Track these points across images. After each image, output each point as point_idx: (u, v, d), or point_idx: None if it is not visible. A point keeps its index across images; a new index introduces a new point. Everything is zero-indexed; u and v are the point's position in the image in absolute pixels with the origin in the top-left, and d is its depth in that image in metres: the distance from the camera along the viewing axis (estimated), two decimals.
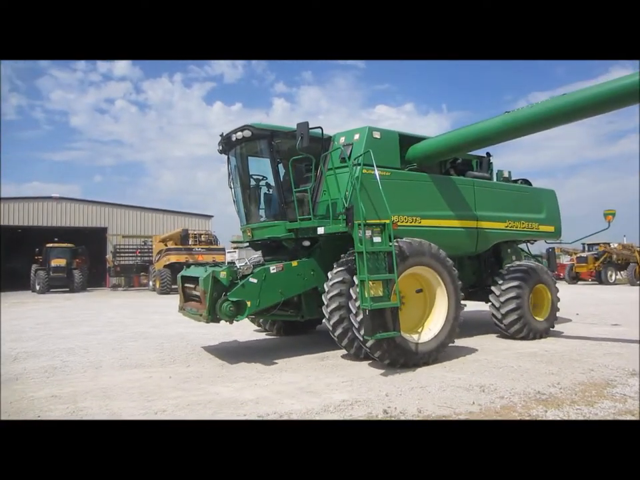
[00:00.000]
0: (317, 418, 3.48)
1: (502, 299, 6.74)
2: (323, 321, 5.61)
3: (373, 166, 5.46)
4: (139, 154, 79.84)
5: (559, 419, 3.37)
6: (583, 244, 23.77)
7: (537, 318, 7.02)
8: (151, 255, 23.84)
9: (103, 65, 69.86)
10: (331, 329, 5.40)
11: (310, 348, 6.37)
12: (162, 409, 3.77)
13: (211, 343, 7.03)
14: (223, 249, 21.42)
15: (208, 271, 5.48)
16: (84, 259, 24.29)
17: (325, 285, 5.49)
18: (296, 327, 7.38)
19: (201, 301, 5.56)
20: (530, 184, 8.27)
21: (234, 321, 5.47)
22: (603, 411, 3.53)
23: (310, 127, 5.36)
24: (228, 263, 6.07)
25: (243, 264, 5.65)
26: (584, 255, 22.47)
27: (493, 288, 6.92)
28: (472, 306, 8.29)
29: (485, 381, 4.45)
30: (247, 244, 7.20)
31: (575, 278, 22.14)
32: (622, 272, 22.10)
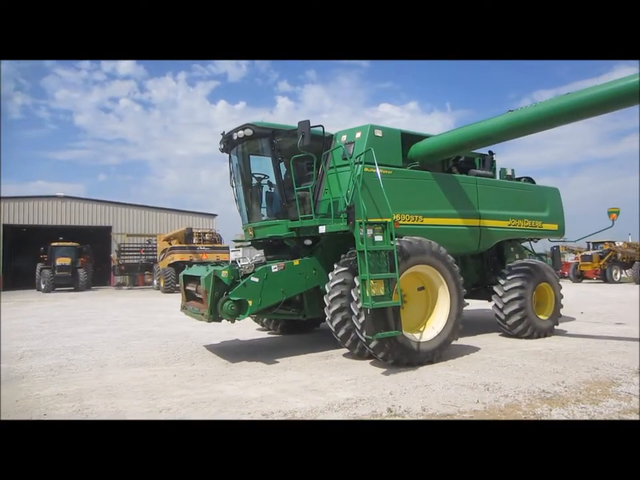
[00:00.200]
0: (322, 416, 3.48)
1: (505, 300, 6.71)
2: (325, 320, 5.62)
3: (374, 164, 5.45)
4: (143, 153, 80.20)
5: (563, 417, 3.36)
6: (588, 242, 23.65)
7: (540, 317, 6.99)
8: (155, 253, 23.94)
9: (107, 64, 70.10)
10: (333, 330, 5.40)
11: (313, 346, 6.38)
12: (167, 407, 3.79)
13: (214, 341, 7.05)
14: (227, 248, 21.47)
15: (209, 270, 5.50)
16: (88, 257, 24.42)
17: (326, 287, 5.48)
18: (298, 326, 7.39)
19: (202, 300, 5.58)
20: (533, 182, 8.22)
21: (236, 320, 5.49)
22: (608, 409, 3.51)
23: (311, 125, 5.36)
24: (231, 261, 6.07)
25: (245, 263, 5.66)
26: (589, 253, 22.34)
27: (495, 288, 6.89)
28: (475, 304, 8.27)
29: (489, 380, 4.44)
30: (249, 243, 7.22)
31: (579, 276, 22.02)
32: (627, 270, 21.97)
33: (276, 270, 5.63)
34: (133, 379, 4.81)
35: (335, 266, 5.57)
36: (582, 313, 9.77)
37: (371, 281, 4.69)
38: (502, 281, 6.85)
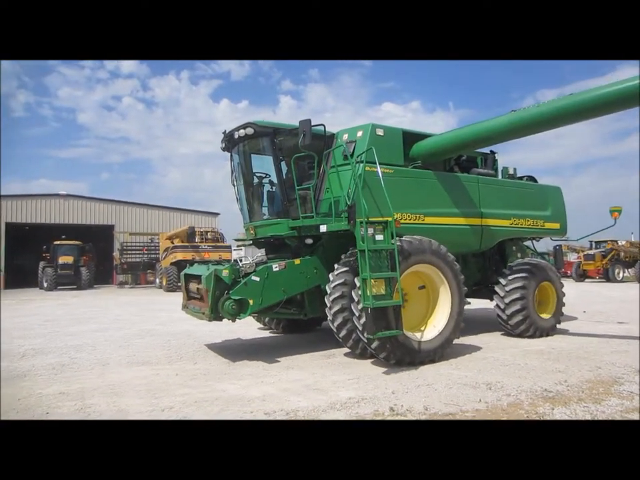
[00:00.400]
0: (324, 415, 3.49)
1: (507, 300, 6.69)
2: (327, 320, 5.62)
3: (375, 163, 5.44)
4: (146, 151, 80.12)
5: (566, 416, 3.35)
6: (591, 241, 23.60)
7: (542, 316, 6.97)
8: (157, 252, 23.99)
9: (110, 63, 70.07)
10: (335, 330, 5.40)
11: (315, 345, 6.38)
12: (169, 405, 3.80)
13: (217, 340, 7.07)
14: (229, 247, 21.50)
15: (210, 269, 5.51)
16: (91, 256, 24.51)
17: (327, 287, 5.48)
18: (300, 325, 7.39)
19: (203, 299, 5.59)
20: (535, 181, 8.19)
21: (237, 319, 5.50)
22: (610, 408, 3.51)
23: (312, 124, 5.35)
24: (233, 260, 6.08)
25: (246, 262, 5.66)
26: (591, 252, 22.29)
27: (497, 288, 6.87)
28: (477, 303, 8.26)
29: (491, 379, 4.44)
30: (251, 242, 7.22)
31: (582, 275, 21.96)
32: (629, 269, 21.91)
33: (277, 269, 5.63)
34: (135, 377, 4.83)
35: (336, 266, 5.56)
36: (584, 312, 9.75)
37: (372, 280, 4.68)
38: (503, 281, 6.83)
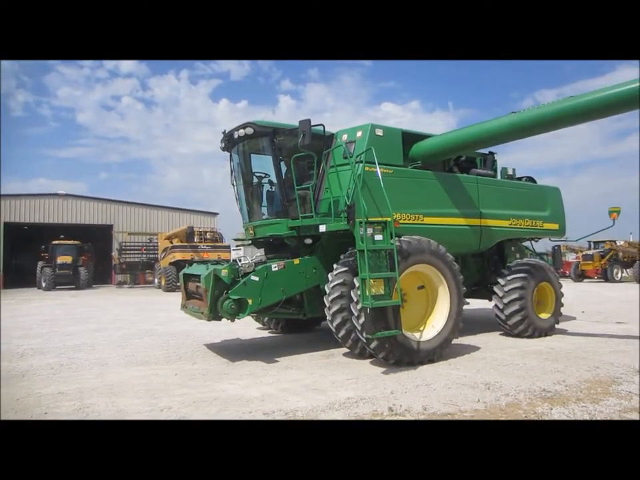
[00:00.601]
0: (323, 415, 3.49)
1: (505, 300, 6.70)
2: (326, 320, 5.62)
3: (375, 163, 5.44)
4: (145, 151, 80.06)
5: (564, 416, 3.36)
6: (589, 241, 23.65)
7: (541, 316, 6.98)
8: (156, 252, 23.97)
9: (109, 62, 70.03)
10: (334, 330, 5.40)
11: (314, 345, 6.38)
12: (168, 405, 3.79)
13: (215, 340, 7.06)
14: (228, 247, 21.49)
15: (209, 268, 5.50)
16: (90, 256, 24.48)
17: (326, 287, 5.48)
18: (299, 325, 7.39)
19: (202, 298, 5.59)
20: (534, 181, 8.21)
21: (236, 319, 5.49)
22: (609, 408, 3.51)
23: (312, 124, 5.35)
24: (232, 260, 6.08)
25: (245, 262, 5.66)
26: (590, 252, 22.33)
27: (495, 288, 6.88)
28: (476, 304, 8.26)
29: (490, 379, 4.44)
30: (250, 242, 7.22)
31: (580, 276, 22.01)
32: (628, 270, 21.96)
33: (276, 269, 5.63)
34: (134, 377, 4.82)
35: (335, 266, 5.56)
36: (583, 312, 9.77)
37: (371, 280, 4.69)
38: (502, 281, 6.84)
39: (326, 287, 5.47)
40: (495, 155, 7.86)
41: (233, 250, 21.49)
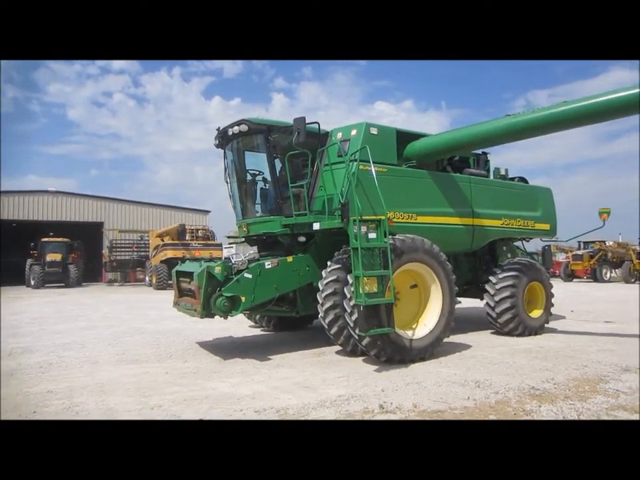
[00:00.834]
0: (314, 412, 3.49)
1: (496, 298, 6.77)
2: (319, 317, 5.62)
3: (369, 162, 5.46)
4: (137, 148, 79.25)
5: (552, 413, 3.40)
6: (579, 242, 23.93)
7: (531, 315, 7.06)
8: (147, 250, 23.76)
9: None
10: (326, 327, 5.40)
11: (306, 343, 6.38)
12: (158, 404, 3.76)
13: (207, 338, 7.03)
14: (220, 245, 21.39)
15: (202, 266, 5.47)
16: (79, 253, 24.18)
17: (319, 284, 5.48)
18: (291, 323, 7.38)
19: (195, 296, 5.56)
20: (526, 182, 8.29)
21: (228, 317, 5.47)
22: (596, 405, 3.56)
23: (307, 122, 5.34)
24: (225, 258, 6.06)
25: (238, 259, 5.64)
26: (579, 252, 22.61)
27: (487, 286, 6.94)
28: (467, 302, 8.33)
29: (480, 377, 4.48)
30: (243, 239, 7.19)
31: (570, 275, 22.28)
32: (617, 270, 22.27)
33: (269, 266, 5.62)
34: (124, 375, 4.78)
35: (329, 263, 5.57)
36: (572, 311, 9.90)
37: (364, 278, 4.70)
38: (494, 279, 6.90)
39: (319, 284, 5.47)
40: (488, 155, 7.93)
41: (225, 248, 21.40)
